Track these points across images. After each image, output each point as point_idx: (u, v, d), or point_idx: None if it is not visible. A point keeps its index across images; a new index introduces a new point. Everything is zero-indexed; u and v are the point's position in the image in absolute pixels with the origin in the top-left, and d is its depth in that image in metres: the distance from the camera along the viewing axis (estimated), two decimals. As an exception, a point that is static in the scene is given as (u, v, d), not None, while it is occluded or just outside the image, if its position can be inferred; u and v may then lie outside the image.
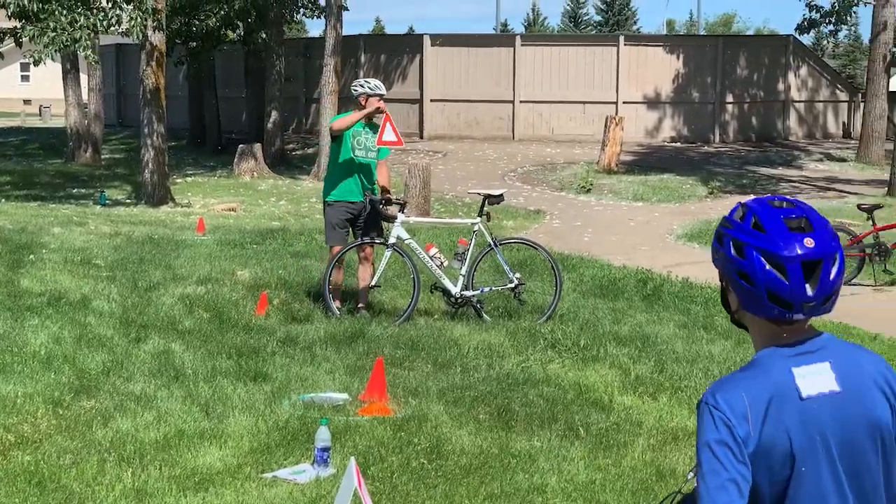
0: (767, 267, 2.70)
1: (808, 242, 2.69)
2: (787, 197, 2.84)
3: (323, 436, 6.76)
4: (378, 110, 11.15)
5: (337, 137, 11.14)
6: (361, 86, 11.29)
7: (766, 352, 2.78)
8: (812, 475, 2.70)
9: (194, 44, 29.87)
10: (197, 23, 28.52)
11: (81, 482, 6.40)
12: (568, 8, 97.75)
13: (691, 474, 3.40)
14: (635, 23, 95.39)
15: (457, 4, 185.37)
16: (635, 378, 8.92)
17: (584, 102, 34.46)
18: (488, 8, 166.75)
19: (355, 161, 11.13)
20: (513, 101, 34.59)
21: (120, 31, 21.36)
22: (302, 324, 10.61)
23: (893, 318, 11.83)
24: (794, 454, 2.68)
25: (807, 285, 2.69)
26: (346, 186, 11.14)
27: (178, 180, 25.56)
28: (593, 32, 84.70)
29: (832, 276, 2.72)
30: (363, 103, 11.20)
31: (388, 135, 11.39)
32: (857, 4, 32.04)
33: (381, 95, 11.20)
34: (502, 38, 40.49)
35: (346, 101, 21.90)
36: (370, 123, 11.23)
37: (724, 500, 2.64)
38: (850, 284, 13.41)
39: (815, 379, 2.72)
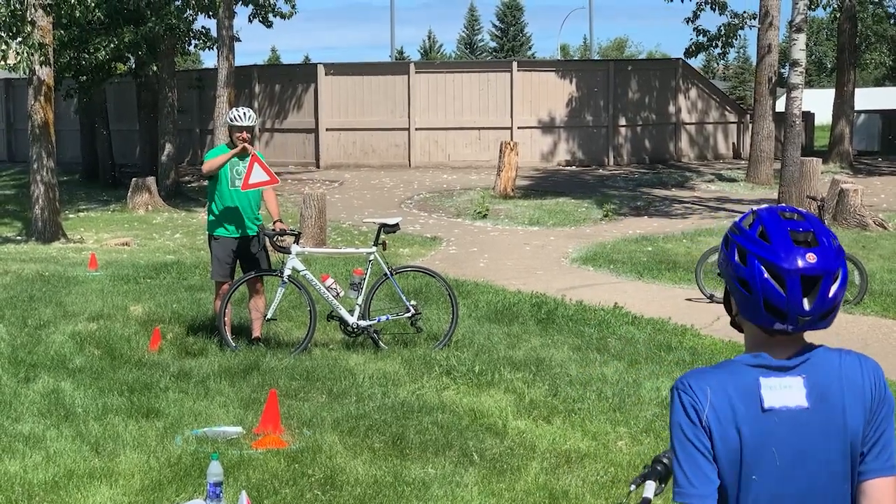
0: (767, 277, 2.72)
1: (811, 258, 2.71)
2: (799, 209, 2.84)
3: (214, 470, 6.71)
4: (245, 150, 10.95)
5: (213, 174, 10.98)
6: (232, 119, 11.05)
7: (742, 357, 2.81)
8: (762, 486, 2.73)
9: (84, 77, 29.44)
10: (87, 56, 28.12)
11: (-33, 527, 6.29)
12: (464, 34, 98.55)
13: (633, 486, 3.47)
14: (530, 48, 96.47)
15: (354, 33, 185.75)
16: (529, 402, 9.00)
17: (479, 128, 34.70)
18: (384, 36, 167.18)
19: (234, 194, 11.00)
20: (408, 129, 34.68)
21: (7, 66, 21.01)
22: (196, 358, 10.53)
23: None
24: (745, 460, 2.72)
25: (805, 299, 2.70)
26: (229, 220, 11.00)
27: (71, 215, 25.19)
28: (489, 58, 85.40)
29: (832, 293, 2.73)
30: (230, 134, 11.11)
31: (256, 175, 10.95)
32: (742, 28, 32.77)
33: (244, 128, 10.95)
34: (396, 65, 40.59)
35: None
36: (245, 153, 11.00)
37: (698, 477, 2.71)
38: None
39: (782, 392, 2.74)
